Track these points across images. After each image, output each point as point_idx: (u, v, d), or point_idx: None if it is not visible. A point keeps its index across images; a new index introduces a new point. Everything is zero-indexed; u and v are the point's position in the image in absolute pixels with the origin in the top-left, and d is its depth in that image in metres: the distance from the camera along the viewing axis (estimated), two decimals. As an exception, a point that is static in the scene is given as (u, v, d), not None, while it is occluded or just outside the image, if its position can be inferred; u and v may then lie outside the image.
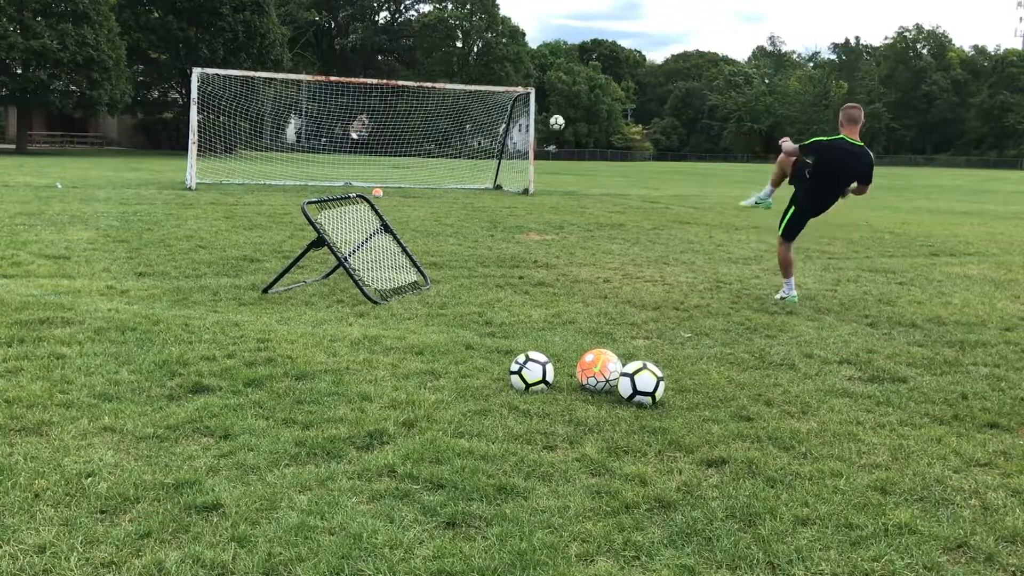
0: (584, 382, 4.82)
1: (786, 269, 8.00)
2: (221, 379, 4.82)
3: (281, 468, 3.60)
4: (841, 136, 7.51)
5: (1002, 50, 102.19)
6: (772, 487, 3.57)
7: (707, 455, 3.91)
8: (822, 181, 7.68)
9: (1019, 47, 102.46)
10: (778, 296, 7.97)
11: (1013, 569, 2.97)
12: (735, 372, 5.39)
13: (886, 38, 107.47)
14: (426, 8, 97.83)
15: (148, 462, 3.63)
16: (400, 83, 28.87)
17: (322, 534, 3.03)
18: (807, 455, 3.96)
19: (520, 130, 29.76)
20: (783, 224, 7.97)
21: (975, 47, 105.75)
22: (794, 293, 7.93)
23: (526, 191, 23.52)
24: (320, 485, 3.45)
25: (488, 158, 28.26)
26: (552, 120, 10.42)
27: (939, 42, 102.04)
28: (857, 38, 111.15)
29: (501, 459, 3.76)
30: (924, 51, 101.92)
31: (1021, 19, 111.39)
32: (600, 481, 3.59)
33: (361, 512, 3.22)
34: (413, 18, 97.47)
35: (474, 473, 3.58)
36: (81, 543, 2.90)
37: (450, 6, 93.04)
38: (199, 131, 21.67)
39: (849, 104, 7.75)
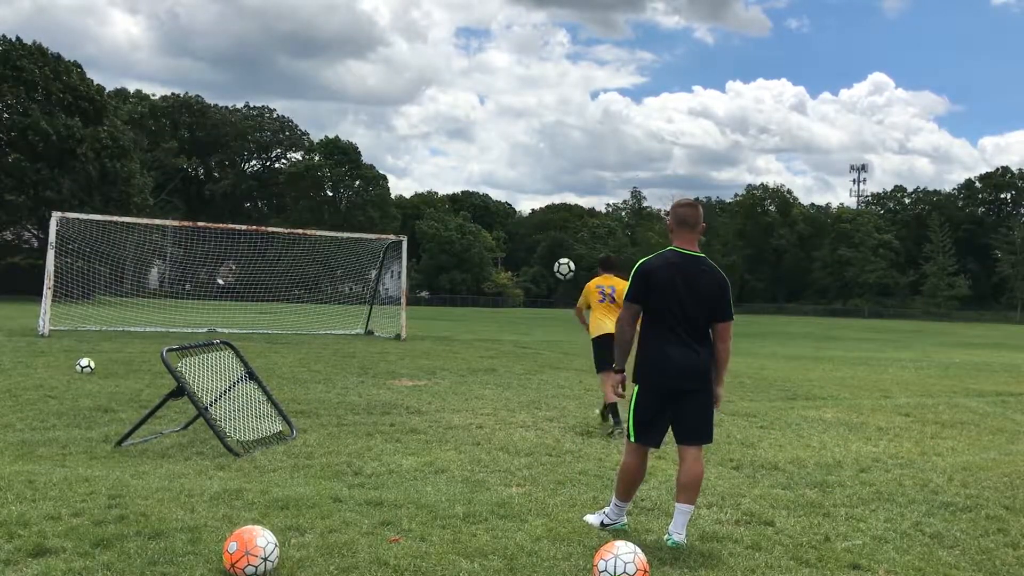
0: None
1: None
2: (66, 540, 4.46)
3: (129, 638, 3.32)
4: (671, 248, 5.14)
5: (838, 207, 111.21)
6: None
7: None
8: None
9: (854, 206, 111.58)
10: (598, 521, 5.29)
11: None
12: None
13: (736, 195, 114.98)
14: (296, 156, 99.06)
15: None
16: (270, 229, 28.76)
17: None
18: (681, 603, 3.94)
19: (392, 276, 29.93)
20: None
21: (813, 205, 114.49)
22: (624, 521, 5.26)
23: (398, 336, 23.46)
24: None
25: (359, 303, 28.18)
26: (559, 266, 10.06)
27: (784, 200, 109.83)
28: (708, 198, 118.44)
29: (371, 619, 3.58)
30: (771, 208, 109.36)
31: (854, 181, 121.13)
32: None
33: None
34: (284, 166, 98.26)
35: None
36: None
37: (317, 157, 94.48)
38: (55, 276, 20.82)
39: (678, 200, 5.31)
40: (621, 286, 9.07)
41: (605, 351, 8.56)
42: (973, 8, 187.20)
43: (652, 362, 4.99)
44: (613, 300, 9.17)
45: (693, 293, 4.95)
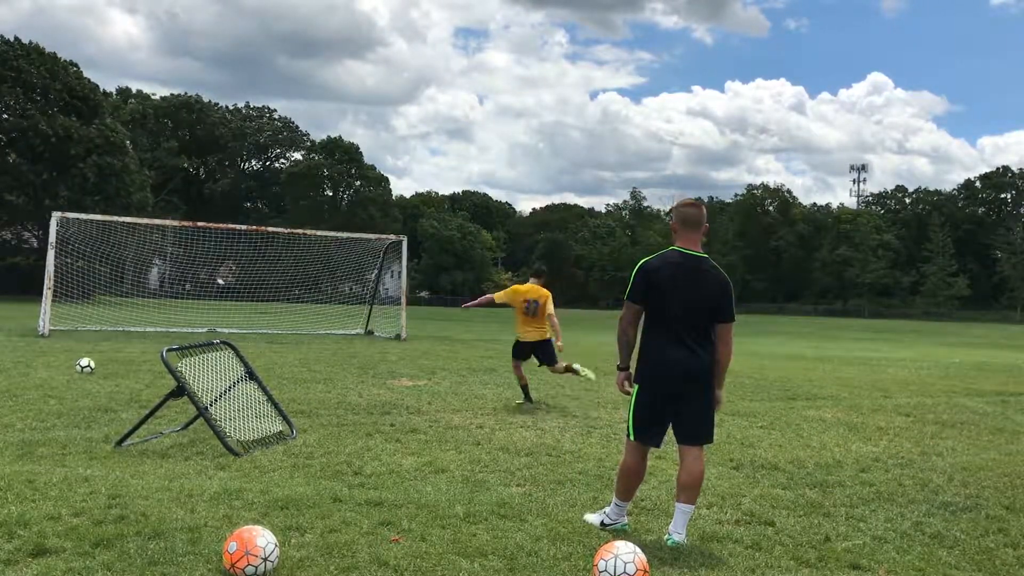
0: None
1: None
2: (66, 540, 4.46)
3: (129, 638, 3.32)
4: (673, 247, 5.13)
5: (838, 207, 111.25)
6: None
7: (583, 606, 3.83)
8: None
9: (854, 206, 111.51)
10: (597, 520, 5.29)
11: None
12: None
13: (736, 195, 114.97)
14: (297, 156, 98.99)
15: (-25, 637, 3.28)
16: (270, 229, 28.74)
17: None
18: (681, 603, 3.93)
19: (392, 276, 29.94)
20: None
21: (814, 204, 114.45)
22: (624, 522, 5.26)
23: (398, 336, 23.46)
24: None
25: (359, 303, 28.19)
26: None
27: (783, 199, 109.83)
28: (711, 198, 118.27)
29: (371, 619, 3.58)
30: (771, 208, 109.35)
31: (854, 181, 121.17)
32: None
33: None
34: (284, 166, 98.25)
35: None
36: None
37: (317, 157, 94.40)
38: (55, 276, 20.82)
39: (681, 200, 5.30)
40: (544, 299, 10.34)
41: (520, 348, 10.63)
42: (971, 8, 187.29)
43: (652, 363, 4.99)
44: (535, 314, 10.35)
45: (695, 293, 4.94)
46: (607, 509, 5.27)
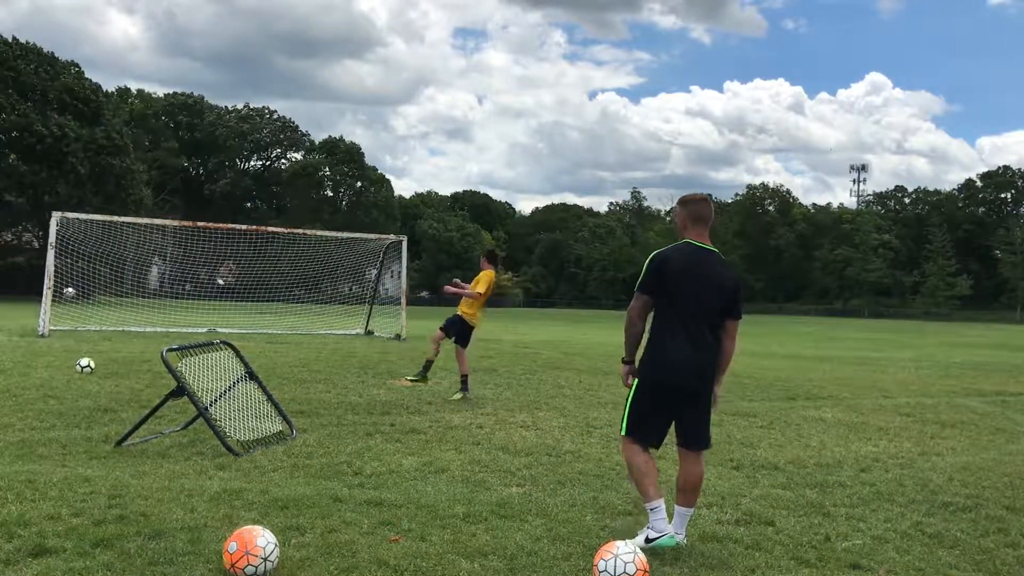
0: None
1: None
2: (66, 540, 4.46)
3: (129, 638, 3.31)
4: (686, 240, 5.08)
5: (838, 207, 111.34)
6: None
7: (583, 606, 3.83)
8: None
9: (853, 206, 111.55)
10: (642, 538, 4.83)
11: None
12: (608, 518, 5.39)
13: (737, 195, 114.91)
14: (297, 156, 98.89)
15: (-25, 637, 3.28)
16: (270, 229, 28.73)
17: None
18: (681, 603, 3.93)
19: (392, 276, 29.92)
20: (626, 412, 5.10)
21: (814, 205, 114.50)
22: (669, 532, 4.89)
23: (398, 336, 23.45)
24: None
25: (359, 303, 28.17)
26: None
27: (783, 199, 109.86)
28: (710, 195, 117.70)
29: (371, 619, 3.57)
30: (771, 207, 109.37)
31: (854, 181, 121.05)
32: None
33: None
34: (284, 166, 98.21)
35: (342, 635, 3.38)
36: None
37: (317, 156, 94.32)
38: (55, 276, 20.81)
39: (689, 196, 5.25)
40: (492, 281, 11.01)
41: (470, 335, 11.08)
42: (969, 8, 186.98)
43: (655, 362, 4.92)
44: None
45: (708, 287, 4.88)
46: (648, 524, 4.90)
